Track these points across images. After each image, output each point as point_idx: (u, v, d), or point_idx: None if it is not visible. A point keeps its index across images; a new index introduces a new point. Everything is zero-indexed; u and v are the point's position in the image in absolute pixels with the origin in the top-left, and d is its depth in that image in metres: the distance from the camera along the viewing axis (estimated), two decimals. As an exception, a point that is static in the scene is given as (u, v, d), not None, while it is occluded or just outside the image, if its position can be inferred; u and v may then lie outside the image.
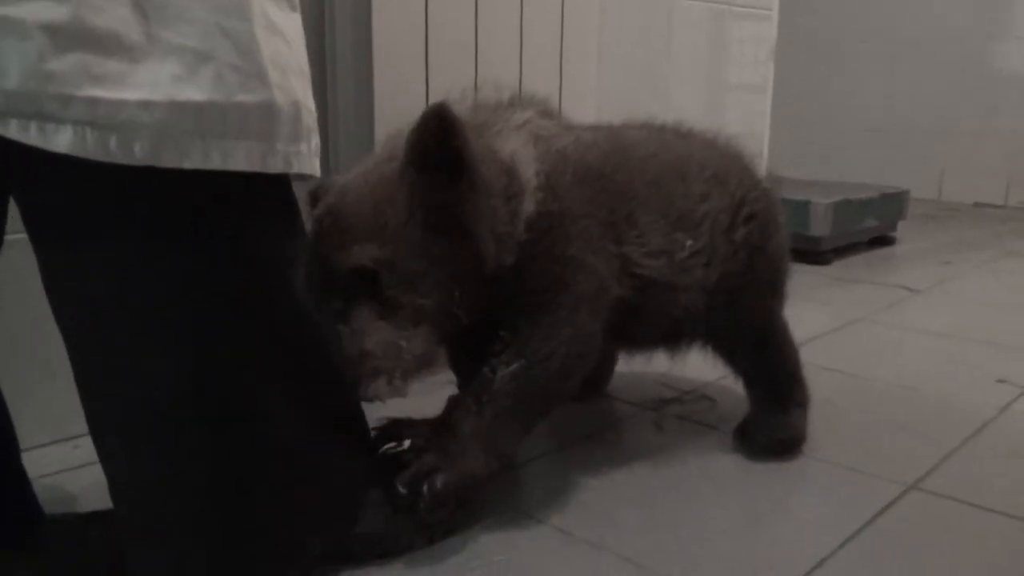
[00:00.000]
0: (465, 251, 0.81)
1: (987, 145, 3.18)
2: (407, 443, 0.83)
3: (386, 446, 0.82)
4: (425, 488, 0.79)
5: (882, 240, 2.48)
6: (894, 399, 1.25)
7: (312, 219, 0.83)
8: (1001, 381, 1.32)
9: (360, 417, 0.82)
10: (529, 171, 0.87)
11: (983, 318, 1.73)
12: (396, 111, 1.13)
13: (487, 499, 0.91)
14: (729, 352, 1.08)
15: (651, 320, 0.99)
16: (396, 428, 0.85)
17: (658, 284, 0.96)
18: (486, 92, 0.96)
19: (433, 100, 1.15)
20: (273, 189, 0.70)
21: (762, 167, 1.11)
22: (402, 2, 1.13)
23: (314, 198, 0.87)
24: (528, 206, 0.86)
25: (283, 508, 0.72)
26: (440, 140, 0.78)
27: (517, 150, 0.88)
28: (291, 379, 0.72)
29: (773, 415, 1.06)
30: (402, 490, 0.79)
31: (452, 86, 1.19)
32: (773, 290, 1.08)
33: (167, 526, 0.68)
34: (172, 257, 0.65)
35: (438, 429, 0.84)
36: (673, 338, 1.06)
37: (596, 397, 1.25)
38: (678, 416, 1.18)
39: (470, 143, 0.80)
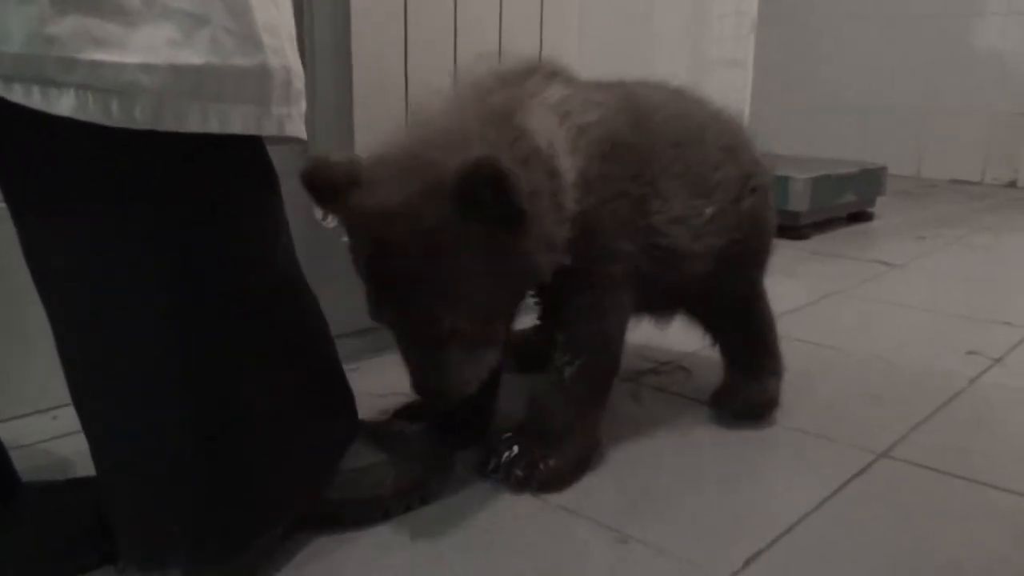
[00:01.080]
0: (526, 278, 0.85)
1: (965, 122, 3.21)
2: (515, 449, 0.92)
3: (493, 462, 0.92)
4: (540, 467, 0.89)
5: (860, 216, 2.50)
6: (867, 370, 1.27)
7: (351, 229, 0.82)
8: (972, 353, 1.34)
9: (341, 380, 0.83)
10: (567, 165, 0.86)
11: (957, 292, 1.76)
12: (374, 74, 1.13)
13: (468, 467, 0.92)
14: (714, 319, 1.09)
15: (664, 288, 1.00)
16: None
17: (677, 252, 0.96)
18: (503, 61, 0.96)
19: (412, 64, 1.16)
20: (250, 153, 0.71)
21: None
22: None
23: (323, 182, 0.81)
24: (570, 205, 0.86)
25: (262, 471, 0.73)
26: (498, 198, 0.75)
27: (553, 140, 0.86)
28: (272, 342, 0.73)
29: (748, 382, 1.08)
30: (519, 474, 0.89)
31: (431, 47, 1.20)
32: (761, 262, 1.10)
33: (149, 488, 0.69)
34: (152, 223, 0.65)
35: (527, 430, 0.94)
36: (670, 306, 1.09)
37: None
38: (654, 387, 1.19)
39: (525, 193, 0.76)
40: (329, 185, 0.80)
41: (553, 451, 0.91)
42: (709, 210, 0.98)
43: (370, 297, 0.81)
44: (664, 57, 1.87)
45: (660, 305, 1.08)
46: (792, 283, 1.76)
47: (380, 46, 1.13)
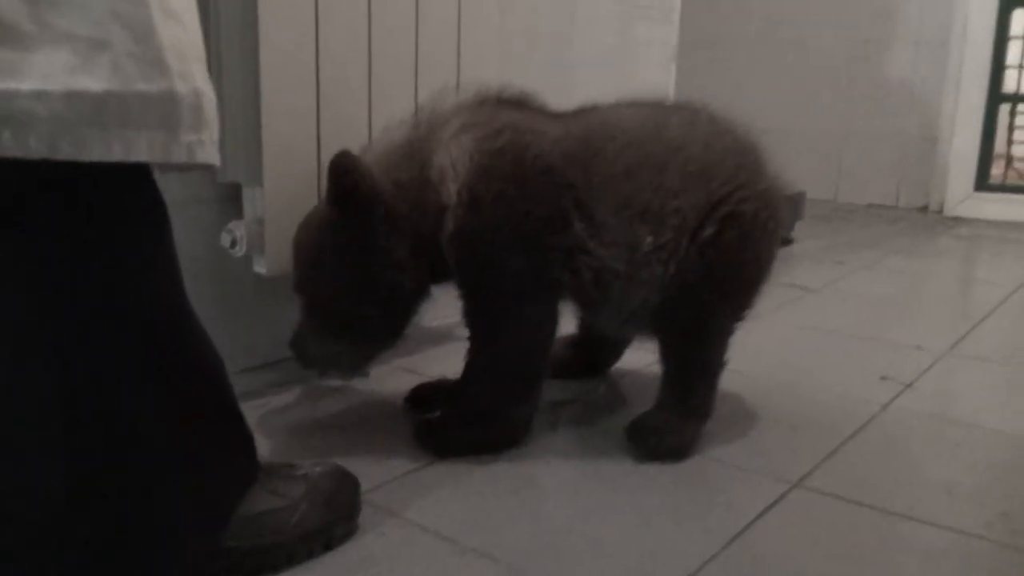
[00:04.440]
0: (380, 274, 0.99)
1: (880, 148, 3.30)
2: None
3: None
4: (435, 432, 1.04)
5: (780, 240, 2.54)
6: (783, 396, 1.28)
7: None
8: (884, 378, 1.36)
9: (238, 420, 0.79)
10: (452, 188, 0.98)
11: (871, 316, 1.80)
12: (284, 97, 1.09)
13: (376, 508, 0.89)
14: (663, 342, 1.07)
15: (613, 308, 1.04)
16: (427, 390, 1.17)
17: (618, 274, 1.00)
18: (452, 94, 1.06)
19: (324, 86, 1.13)
20: (137, 183, 0.67)
21: (772, 170, 1.09)
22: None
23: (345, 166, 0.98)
24: (449, 224, 0.98)
25: (149, 519, 0.68)
26: (343, 186, 0.95)
27: (445, 166, 0.99)
28: (160, 381, 0.69)
29: (671, 416, 1.06)
30: (419, 430, 1.05)
31: (343, 69, 1.17)
32: (729, 297, 1.06)
33: (29, 538, 0.64)
34: (33, 256, 0.61)
35: (456, 405, 1.08)
36: (635, 325, 1.10)
37: (591, 376, 1.32)
38: (573, 418, 1.17)
39: (375, 185, 0.97)
40: None
41: (459, 426, 1.05)
42: (651, 239, 0.99)
43: None
44: (587, 84, 1.87)
45: (624, 323, 1.09)
46: (713, 308, 1.77)
47: (290, 67, 1.10)
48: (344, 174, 0.95)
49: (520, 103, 1.06)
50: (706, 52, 3.42)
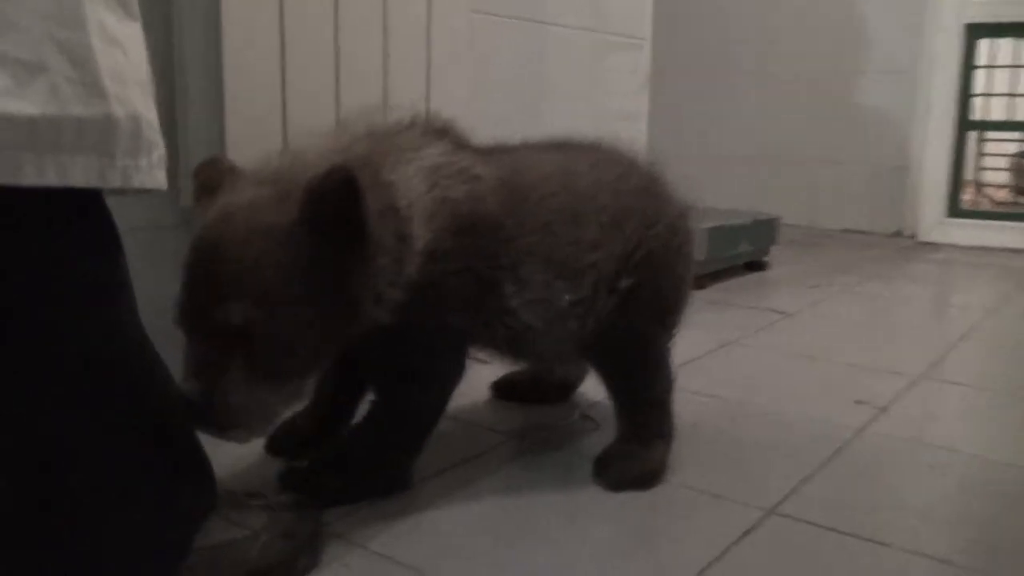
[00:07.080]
0: (346, 314, 0.82)
1: (853, 174, 3.34)
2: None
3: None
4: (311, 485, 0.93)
5: (755, 265, 2.55)
6: (758, 422, 1.27)
7: (192, 239, 0.80)
8: (859, 402, 1.35)
9: (194, 448, 0.76)
10: (420, 231, 0.86)
11: (846, 340, 1.80)
12: (249, 125, 1.08)
13: (340, 539, 0.87)
14: (604, 378, 1.07)
15: (527, 358, 1.06)
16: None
17: (534, 330, 0.97)
18: (383, 115, 0.95)
19: (291, 116, 1.12)
20: (84, 209, 0.66)
21: (678, 193, 1.10)
22: (255, 19, 1.08)
23: (206, 179, 0.86)
24: (411, 271, 0.86)
25: (101, 551, 0.66)
26: (342, 208, 0.77)
27: (414, 202, 0.86)
28: (110, 411, 0.67)
29: (633, 445, 1.05)
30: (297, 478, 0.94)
31: (311, 97, 1.16)
32: (660, 320, 1.06)
33: None
34: None
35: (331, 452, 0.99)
36: (561, 363, 1.14)
37: (561, 401, 1.30)
38: (543, 446, 1.16)
39: (371, 212, 0.79)
40: (207, 184, 0.85)
41: (338, 474, 0.95)
42: (568, 297, 0.97)
43: (179, 296, 0.78)
44: (559, 111, 1.87)
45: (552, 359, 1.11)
46: (688, 333, 1.75)
47: (254, 91, 1.09)
48: (347, 201, 0.77)
49: (446, 132, 0.98)
50: (683, 80, 3.45)
